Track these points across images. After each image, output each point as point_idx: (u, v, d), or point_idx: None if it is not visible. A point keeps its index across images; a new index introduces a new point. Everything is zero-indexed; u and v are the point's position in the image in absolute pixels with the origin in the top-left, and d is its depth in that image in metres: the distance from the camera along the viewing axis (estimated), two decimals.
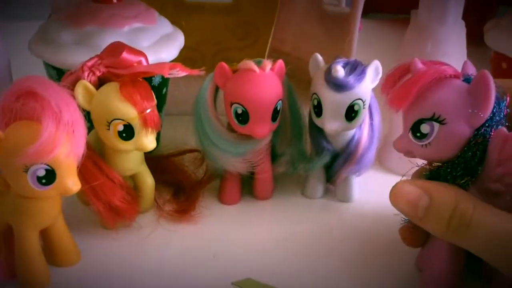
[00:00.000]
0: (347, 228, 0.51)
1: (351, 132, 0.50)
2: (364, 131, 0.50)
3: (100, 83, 0.46)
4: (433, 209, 0.38)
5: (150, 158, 0.51)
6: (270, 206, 0.54)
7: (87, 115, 0.43)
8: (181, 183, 0.53)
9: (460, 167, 0.40)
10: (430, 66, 0.41)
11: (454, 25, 0.54)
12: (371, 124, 0.51)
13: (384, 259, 0.47)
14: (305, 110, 0.53)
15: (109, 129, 0.44)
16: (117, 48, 0.47)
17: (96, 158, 0.46)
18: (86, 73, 0.45)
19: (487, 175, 0.39)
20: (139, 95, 0.44)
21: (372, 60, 0.49)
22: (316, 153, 0.52)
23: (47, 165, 0.38)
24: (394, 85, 0.43)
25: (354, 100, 0.48)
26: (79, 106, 0.41)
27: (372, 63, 0.49)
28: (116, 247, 0.48)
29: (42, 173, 0.38)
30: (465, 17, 0.55)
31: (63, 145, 0.38)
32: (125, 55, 0.46)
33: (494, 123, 0.40)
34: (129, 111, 0.44)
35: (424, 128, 0.40)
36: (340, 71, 0.47)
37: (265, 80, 0.48)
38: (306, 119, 0.53)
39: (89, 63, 0.46)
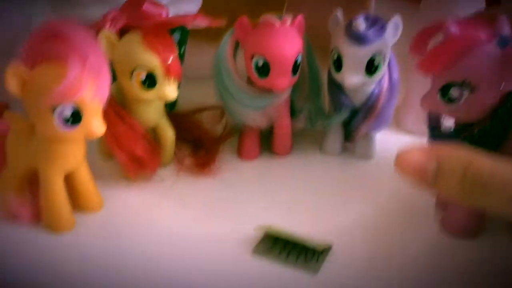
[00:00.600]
0: (366, 186, 0.51)
1: (370, 88, 0.51)
2: (384, 86, 0.51)
3: (121, 35, 0.46)
4: (443, 172, 0.35)
5: (170, 115, 0.51)
6: (288, 163, 0.54)
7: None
8: (200, 139, 0.54)
9: (495, 131, 0.40)
10: (463, 29, 0.40)
11: None
12: (390, 80, 0.51)
13: (403, 219, 0.47)
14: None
15: (131, 79, 0.45)
16: (138, 0, 0.47)
17: (118, 109, 0.47)
18: (107, 25, 0.46)
19: None
20: (161, 44, 0.45)
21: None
22: (334, 109, 0.52)
23: (74, 105, 0.39)
24: (424, 46, 0.42)
25: (374, 53, 0.48)
26: None
27: (392, 19, 0.49)
28: (138, 198, 0.48)
29: (68, 113, 0.39)
30: None
31: (89, 86, 0.38)
32: (146, 7, 0.47)
33: None
34: (152, 60, 0.44)
35: (454, 92, 0.40)
36: (361, 24, 0.47)
37: (286, 33, 0.48)
38: (324, 76, 0.53)
39: (110, 15, 0.46)
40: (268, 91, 0.49)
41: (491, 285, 0.41)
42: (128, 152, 0.47)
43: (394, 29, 0.49)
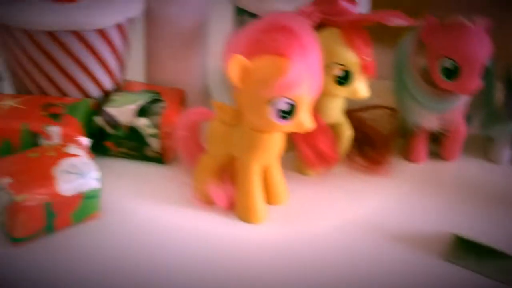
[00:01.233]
0: None
1: None
2: None
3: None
4: None
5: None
6: (455, 168, 0.53)
7: None
8: (368, 138, 0.53)
9: None
10: None
11: None
12: None
13: None
14: None
15: (325, 73, 0.45)
16: None
17: None
18: (306, 20, 0.46)
19: None
20: (361, 42, 0.44)
21: None
22: (510, 116, 0.51)
23: (290, 100, 0.39)
24: None
25: None
26: None
27: None
28: (315, 192, 0.48)
29: (284, 107, 0.39)
30: None
31: (307, 83, 0.39)
32: (341, 2, 0.46)
33: None
34: (350, 57, 0.44)
35: None
36: None
37: (479, 36, 0.47)
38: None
39: (306, 10, 0.46)
40: (449, 93, 0.49)
41: None
42: (312, 146, 0.47)
43: None
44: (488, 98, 0.52)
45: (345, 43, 0.44)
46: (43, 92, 0.52)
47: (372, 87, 0.53)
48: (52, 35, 0.48)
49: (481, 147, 0.55)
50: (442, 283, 0.41)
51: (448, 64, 0.47)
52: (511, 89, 0.50)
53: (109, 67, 0.53)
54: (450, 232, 0.44)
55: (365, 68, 0.44)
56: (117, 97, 0.51)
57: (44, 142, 0.46)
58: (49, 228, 0.41)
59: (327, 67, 0.44)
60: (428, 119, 0.50)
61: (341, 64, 0.44)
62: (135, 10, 0.52)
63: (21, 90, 0.53)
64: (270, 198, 0.45)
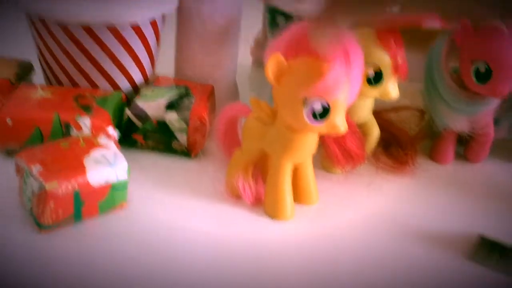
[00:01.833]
0: None
1: None
2: None
3: None
4: None
5: None
6: (481, 170, 0.53)
7: None
8: (395, 138, 0.53)
9: None
10: None
11: None
12: None
13: None
14: None
15: None
16: None
17: None
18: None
19: None
20: (395, 43, 0.44)
21: None
22: None
23: (325, 102, 0.39)
24: None
25: None
26: None
27: None
28: (340, 190, 0.49)
29: (319, 108, 0.39)
30: None
31: (345, 87, 0.38)
32: None
33: None
34: (383, 57, 0.44)
35: None
36: None
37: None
38: None
39: None
40: (480, 97, 0.48)
41: None
42: (340, 145, 0.47)
43: None
44: None
45: (379, 43, 0.44)
46: (75, 84, 0.52)
47: (400, 88, 0.53)
48: (88, 29, 0.49)
49: (508, 150, 0.54)
50: (467, 282, 0.41)
51: (481, 67, 0.47)
52: None
53: (141, 62, 0.53)
54: (474, 232, 0.44)
55: (397, 70, 0.44)
56: (147, 91, 0.52)
57: (74, 132, 0.47)
58: (77, 216, 0.42)
59: None
60: (457, 122, 0.50)
61: (374, 64, 0.44)
62: (170, 6, 0.52)
63: (53, 81, 0.54)
64: (301, 197, 0.45)
